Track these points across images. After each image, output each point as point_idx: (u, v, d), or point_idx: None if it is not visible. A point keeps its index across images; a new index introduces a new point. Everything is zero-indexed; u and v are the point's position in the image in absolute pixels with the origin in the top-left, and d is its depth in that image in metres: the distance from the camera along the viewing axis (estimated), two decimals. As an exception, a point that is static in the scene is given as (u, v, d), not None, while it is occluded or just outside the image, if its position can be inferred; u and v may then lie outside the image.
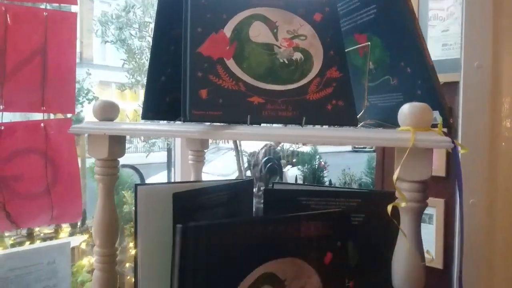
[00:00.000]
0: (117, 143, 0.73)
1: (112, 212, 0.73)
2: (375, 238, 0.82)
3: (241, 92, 0.66)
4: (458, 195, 0.56)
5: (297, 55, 0.71)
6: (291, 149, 4.31)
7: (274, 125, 0.72)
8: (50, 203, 0.97)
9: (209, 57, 0.67)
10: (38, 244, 1.06)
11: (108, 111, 0.73)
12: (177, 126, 0.67)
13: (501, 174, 1.02)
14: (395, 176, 0.54)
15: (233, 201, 0.91)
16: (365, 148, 12.30)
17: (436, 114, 0.69)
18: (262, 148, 3.45)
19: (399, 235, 0.57)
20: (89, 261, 1.59)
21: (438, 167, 1.24)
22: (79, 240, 1.07)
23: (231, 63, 0.68)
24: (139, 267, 0.83)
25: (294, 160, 4.63)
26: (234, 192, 0.91)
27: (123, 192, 1.81)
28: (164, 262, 0.76)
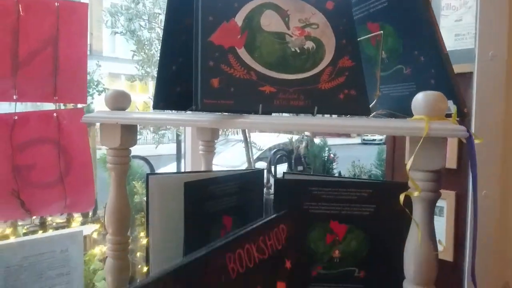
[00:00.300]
0: (129, 132, 0.73)
1: (124, 200, 0.74)
2: (386, 228, 0.82)
3: (253, 81, 0.66)
4: (472, 185, 0.55)
5: (309, 44, 0.70)
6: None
7: (285, 114, 0.72)
8: (63, 192, 0.98)
9: (220, 46, 0.66)
10: (50, 232, 1.08)
11: (120, 101, 0.73)
12: (188, 115, 0.67)
13: (515, 165, 1.01)
14: (408, 165, 0.53)
15: (244, 191, 0.91)
16: (374, 140, 12.23)
17: (450, 104, 0.68)
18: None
19: (411, 225, 0.56)
20: (100, 250, 1.61)
21: (450, 159, 1.23)
22: (91, 229, 1.08)
23: (242, 52, 0.67)
24: (151, 255, 0.84)
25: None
26: (244, 182, 0.92)
27: (133, 182, 1.82)
28: (176, 250, 0.77)
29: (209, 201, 0.82)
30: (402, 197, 0.53)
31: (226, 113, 0.66)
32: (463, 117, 0.69)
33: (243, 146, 2.50)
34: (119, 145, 0.72)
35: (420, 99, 0.54)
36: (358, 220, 0.83)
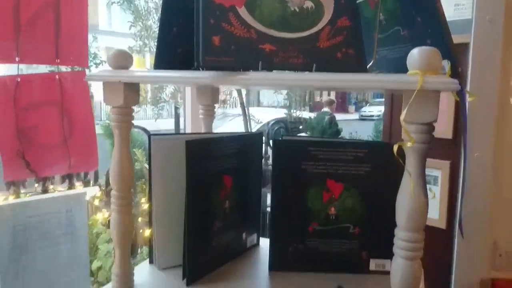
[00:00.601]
0: (132, 90, 0.75)
1: (128, 157, 0.76)
2: (380, 187, 0.85)
3: (253, 39, 0.67)
4: (462, 137, 0.58)
5: (308, 4, 0.71)
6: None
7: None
8: (67, 153, 1.01)
9: (221, 5, 0.67)
10: (55, 193, 1.11)
11: (122, 60, 0.74)
12: (190, 72, 0.69)
13: (509, 128, 1.03)
14: (402, 117, 0.55)
15: (243, 153, 0.93)
16: (372, 116, 12.24)
17: (445, 64, 0.70)
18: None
19: (404, 175, 0.59)
20: (103, 215, 1.66)
21: (445, 129, 1.25)
22: (93, 192, 1.11)
23: (242, 11, 0.68)
24: (153, 216, 0.87)
25: (300, 127, 4.66)
26: (244, 144, 0.94)
27: (134, 150, 1.85)
28: (178, 211, 0.80)
29: (210, 160, 0.84)
30: (396, 147, 0.56)
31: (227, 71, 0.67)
32: (458, 76, 0.71)
33: (241, 120, 2.51)
34: (122, 104, 0.74)
35: (415, 53, 0.56)
36: (354, 179, 0.86)
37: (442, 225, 1.28)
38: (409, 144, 0.56)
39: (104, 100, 0.76)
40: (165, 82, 0.75)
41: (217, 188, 0.87)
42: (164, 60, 0.81)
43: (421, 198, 0.57)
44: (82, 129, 1.05)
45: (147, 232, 0.91)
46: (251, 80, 0.65)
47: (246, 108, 2.81)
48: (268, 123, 4.33)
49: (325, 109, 7.09)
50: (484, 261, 1.10)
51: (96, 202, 1.81)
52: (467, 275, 1.11)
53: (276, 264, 0.89)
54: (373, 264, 0.89)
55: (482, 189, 1.06)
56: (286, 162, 0.87)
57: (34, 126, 1.00)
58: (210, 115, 1.06)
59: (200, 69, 0.68)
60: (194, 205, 0.80)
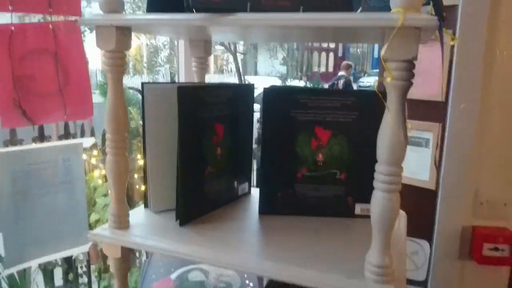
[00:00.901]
0: (124, 35, 0.76)
1: (121, 101, 0.78)
2: (367, 134, 0.88)
3: (242, -19, 0.68)
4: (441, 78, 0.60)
5: None
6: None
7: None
8: (63, 101, 1.03)
9: None
10: (52, 142, 1.14)
11: (114, 4, 0.75)
12: (180, 14, 0.70)
13: (495, 80, 1.05)
14: (382, 53, 0.58)
15: (234, 102, 0.96)
16: (370, 86, 12.21)
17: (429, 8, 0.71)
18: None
19: (384, 113, 0.62)
20: (100, 172, 1.70)
21: (437, 92, 1.26)
22: (89, 142, 1.14)
23: (232, -46, 0.69)
24: (147, 157, 0.90)
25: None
26: (235, 94, 0.96)
27: (129, 108, 1.87)
28: (171, 153, 0.83)
29: (202, 107, 0.87)
30: (376, 82, 0.58)
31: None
32: (443, 21, 0.73)
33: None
34: (115, 48, 0.75)
35: (398, -7, 0.57)
36: (342, 127, 0.89)
37: (432, 186, 1.31)
38: (388, 79, 0.58)
39: (97, 45, 0.77)
40: (156, 24, 0.77)
41: (209, 134, 0.89)
42: (155, 4, 0.82)
43: (400, 132, 0.60)
44: (76, 78, 1.07)
45: (143, 188, 0.94)
46: (240, 20, 0.66)
47: (242, 76, 2.82)
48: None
49: (342, 72, 7.18)
50: (466, 209, 1.15)
51: (93, 161, 1.85)
52: (449, 223, 1.16)
53: (266, 208, 0.93)
54: (358, 209, 0.93)
55: (467, 140, 1.09)
56: (276, 110, 0.90)
57: (30, 75, 1.02)
58: (203, 68, 1.08)
59: (191, 11, 0.69)
60: (186, 148, 0.83)
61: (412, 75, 0.60)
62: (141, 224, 0.87)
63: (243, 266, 0.73)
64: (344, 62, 7.83)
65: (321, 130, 0.90)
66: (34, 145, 1.03)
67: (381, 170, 0.63)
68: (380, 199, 0.63)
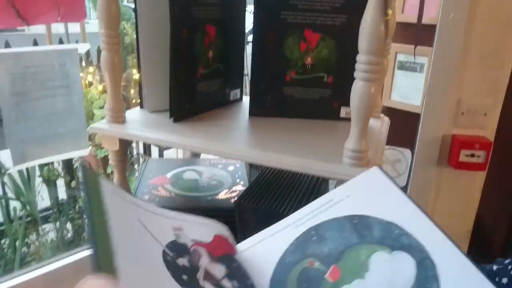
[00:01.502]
0: None
1: (114, -4, 0.79)
2: (355, 38, 0.90)
3: None
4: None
5: None
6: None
7: None
8: (56, 3, 1.03)
9: None
10: (47, 46, 1.15)
11: None
12: None
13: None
14: None
15: (227, 5, 0.97)
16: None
17: None
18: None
19: (367, 4, 0.64)
20: (96, 87, 1.72)
21: (434, 16, 1.25)
22: (84, 48, 1.15)
23: None
24: (141, 56, 0.93)
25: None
26: (227, -2, 0.97)
27: (123, 22, 1.85)
28: (165, 52, 0.86)
29: (193, 5, 0.88)
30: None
31: None
32: None
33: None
34: None
35: None
36: (331, 30, 0.91)
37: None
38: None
39: None
40: None
41: (201, 34, 0.91)
42: None
43: (380, 23, 0.63)
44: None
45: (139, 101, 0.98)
46: None
47: None
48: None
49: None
50: (448, 119, 1.20)
51: (90, 78, 1.87)
52: (431, 132, 1.22)
53: (256, 110, 0.98)
54: (344, 112, 0.98)
55: (454, 49, 1.11)
56: (266, 11, 0.91)
57: (21, -27, 1.01)
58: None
59: None
60: (178, 45, 0.85)
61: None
62: (137, 120, 0.92)
63: (233, 154, 0.79)
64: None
65: (310, 33, 0.92)
66: (29, 48, 1.04)
67: (361, 60, 0.66)
68: (359, 88, 0.68)
